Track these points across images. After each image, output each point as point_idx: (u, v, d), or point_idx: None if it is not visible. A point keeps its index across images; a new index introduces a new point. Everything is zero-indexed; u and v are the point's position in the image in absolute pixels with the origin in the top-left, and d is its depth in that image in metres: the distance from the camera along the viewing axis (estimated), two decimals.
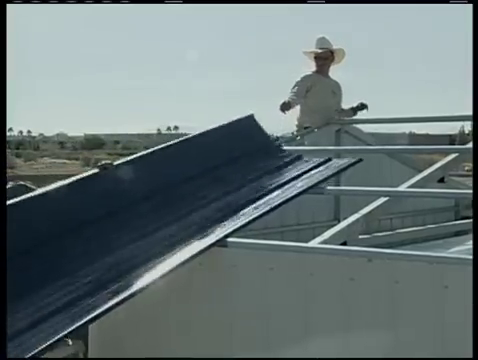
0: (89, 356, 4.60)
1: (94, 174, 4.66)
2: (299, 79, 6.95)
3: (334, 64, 7.08)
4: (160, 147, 5.21)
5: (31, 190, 4.64)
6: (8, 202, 4.16)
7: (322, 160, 5.24)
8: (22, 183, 4.72)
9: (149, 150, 5.21)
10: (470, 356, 3.32)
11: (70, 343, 4.53)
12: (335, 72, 7.18)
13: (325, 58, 6.99)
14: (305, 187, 4.84)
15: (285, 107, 6.64)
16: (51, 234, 4.15)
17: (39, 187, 4.78)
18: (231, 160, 5.29)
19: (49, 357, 4.27)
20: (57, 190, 4.43)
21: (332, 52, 7.00)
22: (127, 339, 4.49)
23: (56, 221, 4.25)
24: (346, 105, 7.15)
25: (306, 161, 5.30)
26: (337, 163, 5.21)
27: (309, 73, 7.04)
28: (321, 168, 5.14)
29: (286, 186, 4.90)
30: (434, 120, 7.41)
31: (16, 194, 4.51)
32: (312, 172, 5.10)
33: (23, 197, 4.34)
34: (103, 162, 4.71)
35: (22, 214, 4.21)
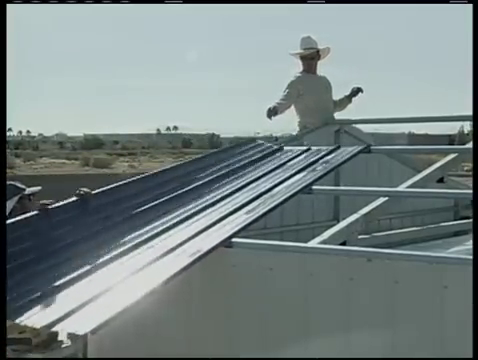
0: (88, 356, 4.60)
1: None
2: (289, 81, 6.92)
3: (318, 61, 7.07)
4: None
5: (21, 189, 4.61)
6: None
7: (332, 148, 5.56)
8: (12, 182, 4.67)
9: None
10: (470, 356, 3.32)
11: (69, 343, 4.52)
12: (332, 70, 7.19)
13: (311, 58, 6.98)
14: (318, 175, 5.07)
15: (271, 113, 6.53)
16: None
17: (38, 186, 4.77)
18: (240, 166, 5.49)
19: (47, 357, 4.28)
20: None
21: (317, 51, 6.98)
22: (126, 339, 4.49)
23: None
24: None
25: (317, 150, 5.57)
26: (346, 151, 5.49)
27: (299, 75, 7.00)
28: (331, 156, 5.45)
29: (300, 175, 5.12)
30: (433, 120, 7.40)
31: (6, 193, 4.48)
32: (324, 159, 5.39)
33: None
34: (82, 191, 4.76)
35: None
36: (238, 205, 4.66)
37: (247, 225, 4.38)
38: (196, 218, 4.56)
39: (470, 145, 5.90)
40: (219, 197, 4.87)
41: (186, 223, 4.51)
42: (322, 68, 7.11)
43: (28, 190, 4.65)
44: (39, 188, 4.70)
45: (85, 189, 4.72)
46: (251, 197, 4.77)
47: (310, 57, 6.95)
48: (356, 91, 7.12)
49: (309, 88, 6.86)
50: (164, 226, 4.46)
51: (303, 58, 6.98)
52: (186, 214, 4.62)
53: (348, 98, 7.11)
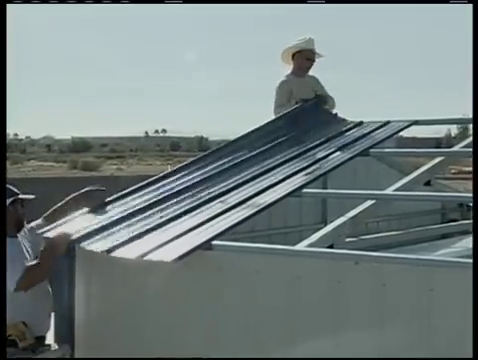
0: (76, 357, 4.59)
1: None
2: (278, 88, 6.88)
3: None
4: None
5: (15, 193, 4.59)
6: None
7: (381, 123, 6.29)
8: (6, 185, 4.64)
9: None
10: (470, 356, 3.33)
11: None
12: (323, 73, 7.18)
13: (311, 60, 6.95)
14: (370, 144, 5.81)
15: None
16: None
17: (26, 190, 4.74)
18: (298, 134, 6.09)
19: (47, 357, 4.30)
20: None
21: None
22: (113, 343, 4.48)
23: None
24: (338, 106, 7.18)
25: (366, 125, 6.28)
26: (394, 125, 6.22)
27: (287, 79, 6.91)
28: (381, 130, 6.15)
29: (350, 145, 5.79)
30: (431, 123, 7.30)
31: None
32: (374, 133, 6.09)
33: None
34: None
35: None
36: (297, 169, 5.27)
37: (232, 226, 4.43)
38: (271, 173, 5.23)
39: (456, 148, 5.95)
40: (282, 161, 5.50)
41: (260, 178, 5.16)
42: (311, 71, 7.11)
43: (21, 195, 4.62)
44: (32, 196, 4.65)
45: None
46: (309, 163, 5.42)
47: (311, 59, 6.89)
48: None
49: (298, 93, 6.84)
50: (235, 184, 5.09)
51: (301, 59, 6.88)
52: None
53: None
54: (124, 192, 5.10)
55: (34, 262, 4.32)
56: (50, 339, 4.57)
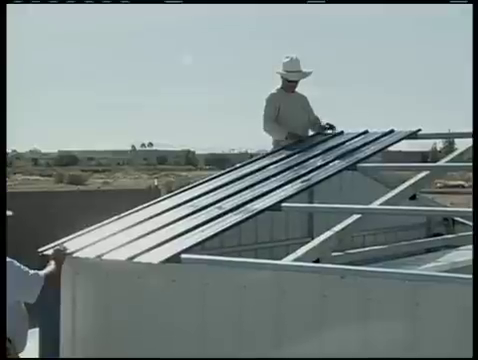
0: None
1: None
2: (266, 103, 7.00)
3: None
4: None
5: None
6: None
7: (386, 131, 6.70)
8: None
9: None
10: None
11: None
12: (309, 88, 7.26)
13: (297, 81, 7.07)
14: (375, 150, 6.25)
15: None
16: None
17: (12, 203, 4.70)
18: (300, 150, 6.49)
19: (45, 357, 4.30)
20: None
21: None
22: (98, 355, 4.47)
23: None
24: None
25: (371, 134, 6.73)
26: (399, 133, 6.64)
27: (275, 93, 7.07)
28: (386, 137, 6.56)
29: (356, 151, 6.20)
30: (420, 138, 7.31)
31: None
32: (380, 139, 6.51)
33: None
34: None
35: None
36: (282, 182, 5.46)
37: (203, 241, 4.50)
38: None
39: (442, 162, 5.98)
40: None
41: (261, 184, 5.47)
42: (299, 87, 7.19)
43: None
44: (10, 213, 4.59)
45: None
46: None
47: (296, 81, 7.02)
48: (328, 127, 7.14)
49: (286, 108, 6.91)
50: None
51: (290, 81, 7.01)
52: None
53: (321, 128, 7.14)
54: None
55: (48, 270, 4.38)
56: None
